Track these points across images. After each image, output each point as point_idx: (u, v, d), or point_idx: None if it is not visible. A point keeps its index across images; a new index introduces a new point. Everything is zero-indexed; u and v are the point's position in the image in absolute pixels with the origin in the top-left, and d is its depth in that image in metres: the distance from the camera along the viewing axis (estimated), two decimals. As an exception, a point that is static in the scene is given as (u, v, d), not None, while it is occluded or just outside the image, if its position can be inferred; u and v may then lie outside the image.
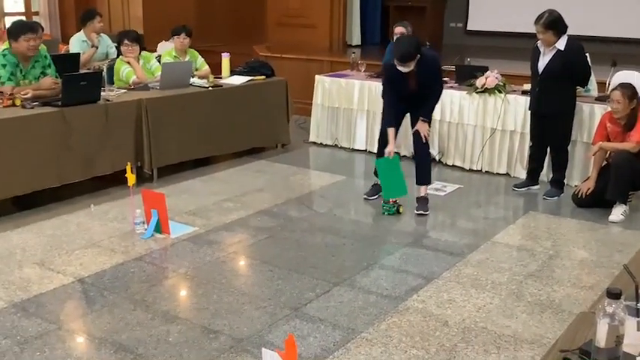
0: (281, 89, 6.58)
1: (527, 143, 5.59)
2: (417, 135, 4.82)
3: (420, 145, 4.83)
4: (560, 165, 5.28)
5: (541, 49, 5.06)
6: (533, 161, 5.43)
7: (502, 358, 2.94)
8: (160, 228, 4.26)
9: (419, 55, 4.49)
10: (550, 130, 5.17)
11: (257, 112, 6.27)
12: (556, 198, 5.22)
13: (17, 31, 4.83)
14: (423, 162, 4.92)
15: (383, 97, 5.01)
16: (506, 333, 3.16)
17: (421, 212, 4.78)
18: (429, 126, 4.85)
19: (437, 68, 4.80)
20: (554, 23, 4.90)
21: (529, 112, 5.40)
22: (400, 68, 4.52)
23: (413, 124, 4.87)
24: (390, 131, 4.76)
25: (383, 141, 4.89)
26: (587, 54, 5.18)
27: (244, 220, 4.64)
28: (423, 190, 4.90)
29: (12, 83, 4.80)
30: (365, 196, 5.13)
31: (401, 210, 4.78)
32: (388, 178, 4.75)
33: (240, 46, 9.20)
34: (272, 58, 8.19)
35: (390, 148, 4.71)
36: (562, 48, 4.94)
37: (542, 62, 5.05)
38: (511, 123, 5.70)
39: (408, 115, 5.00)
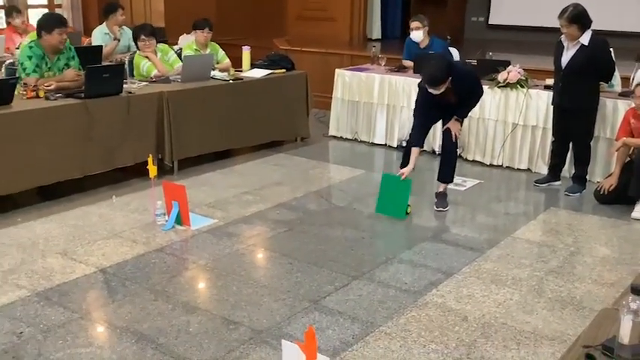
0: (301, 83, 6.58)
1: (549, 138, 5.55)
2: (446, 133, 4.75)
3: (449, 142, 4.76)
4: (582, 161, 5.23)
5: (565, 44, 5.01)
6: (555, 157, 5.38)
7: (522, 354, 2.93)
8: (180, 220, 4.29)
9: (450, 77, 4.35)
10: (572, 126, 5.12)
11: (277, 106, 6.29)
12: (578, 194, 5.17)
13: (52, 24, 4.88)
14: (448, 159, 4.86)
15: (414, 114, 4.84)
16: (526, 329, 3.14)
17: (440, 209, 4.75)
18: (461, 125, 4.80)
19: (473, 82, 4.69)
20: (578, 17, 4.84)
21: (552, 107, 5.35)
22: (432, 91, 4.42)
23: (445, 123, 4.80)
24: (415, 151, 4.65)
25: (406, 156, 4.80)
26: (612, 49, 5.12)
27: (263, 212, 4.66)
28: (442, 187, 4.87)
29: (37, 75, 4.86)
30: None
31: (408, 211, 4.62)
32: (388, 195, 4.62)
33: (261, 39, 9.22)
34: (292, 51, 8.20)
35: (407, 170, 4.58)
36: (586, 43, 4.88)
37: (566, 57, 5.00)
38: (533, 118, 5.66)
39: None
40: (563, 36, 5.00)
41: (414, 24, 6.27)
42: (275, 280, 3.65)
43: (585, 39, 4.89)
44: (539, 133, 5.67)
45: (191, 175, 5.45)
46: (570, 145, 5.28)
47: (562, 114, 5.16)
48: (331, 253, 4.01)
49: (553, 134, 5.40)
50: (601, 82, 5.18)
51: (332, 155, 6.56)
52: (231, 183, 5.31)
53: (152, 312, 3.22)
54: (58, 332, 3.02)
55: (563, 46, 5.03)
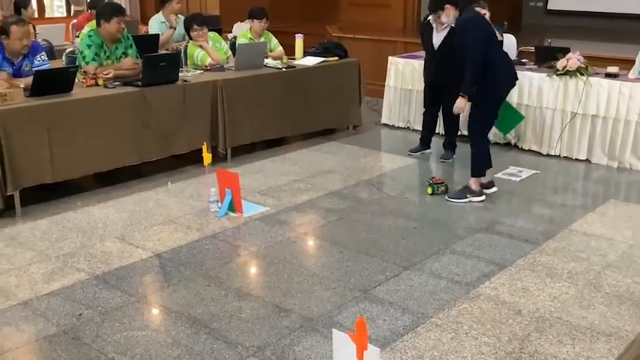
0: (353, 70, 6.55)
1: (610, 127, 5.43)
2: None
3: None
4: (453, 128, 5.66)
5: (433, 25, 5.39)
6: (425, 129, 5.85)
7: (577, 350, 2.86)
8: (233, 207, 4.35)
9: (448, 5, 4.49)
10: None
11: (329, 94, 6.28)
12: (451, 159, 5.62)
13: (110, 12, 5.01)
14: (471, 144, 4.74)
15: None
16: (582, 324, 3.07)
17: (449, 199, 4.66)
18: (470, 101, 4.51)
19: (467, 30, 4.41)
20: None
21: (610, 95, 5.26)
22: (431, 19, 4.99)
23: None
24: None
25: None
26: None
27: (315, 201, 4.68)
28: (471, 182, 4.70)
29: (95, 64, 4.98)
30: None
31: (429, 191, 4.73)
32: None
33: (314, 26, 9.21)
34: (345, 38, 8.16)
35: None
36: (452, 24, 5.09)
37: (437, 39, 5.42)
38: (593, 107, 5.48)
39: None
40: (431, 17, 5.29)
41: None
42: (326, 269, 3.66)
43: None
44: (599, 122, 5.49)
45: (244, 162, 5.51)
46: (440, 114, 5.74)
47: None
48: (382, 242, 3.99)
49: (425, 106, 5.83)
50: None
51: (384, 144, 6.52)
52: (283, 171, 5.35)
53: (206, 297, 3.29)
54: (115, 315, 3.12)
55: (432, 27, 5.36)
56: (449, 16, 4.41)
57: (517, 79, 4.69)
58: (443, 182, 4.75)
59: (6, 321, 3.06)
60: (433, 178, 4.80)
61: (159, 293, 3.38)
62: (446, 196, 4.65)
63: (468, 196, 4.62)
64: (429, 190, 4.74)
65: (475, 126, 4.64)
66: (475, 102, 4.54)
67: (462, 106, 4.52)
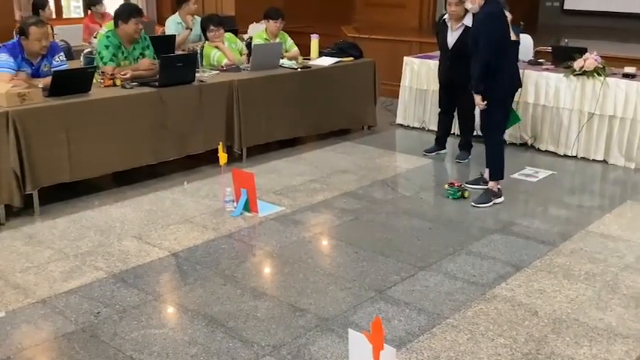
0: (369, 71, 6.55)
1: (627, 129, 5.39)
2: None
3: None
4: (468, 128, 5.67)
5: (448, 24, 5.39)
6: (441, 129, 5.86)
7: (594, 352, 2.85)
8: (248, 207, 4.37)
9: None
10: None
11: (344, 94, 6.29)
12: (467, 160, 5.61)
13: (128, 13, 5.06)
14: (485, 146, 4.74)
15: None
16: (599, 326, 3.05)
17: (473, 204, 4.59)
18: (481, 99, 4.48)
19: (484, 24, 4.38)
20: None
21: (628, 95, 5.22)
22: (446, 17, 5.15)
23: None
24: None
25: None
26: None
27: (330, 201, 4.68)
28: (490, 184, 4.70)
29: (113, 64, 5.03)
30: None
31: (466, 195, 4.66)
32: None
33: (329, 27, 9.21)
34: (360, 39, 8.15)
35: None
36: (469, 24, 5.04)
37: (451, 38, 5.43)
38: (610, 107, 5.44)
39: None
40: (446, 16, 5.36)
41: None
42: (341, 269, 3.67)
43: (468, 20, 5.04)
44: (616, 123, 5.45)
45: (259, 162, 5.53)
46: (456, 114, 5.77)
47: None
48: (397, 242, 3.99)
49: (440, 106, 5.79)
50: None
51: (399, 144, 6.51)
52: (298, 171, 5.36)
53: (222, 296, 3.31)
54: (132, 313, 3.14)
55: (447, 26, 5.37)
56: (474, 3, 4.39)
57: (521, 86, 4.97)
58: (461, 185, 4.72)
59: (25, 319, 3.10)
60: (452, 183, 4.73)
61: (175, 292, 3.41)
62: (471, 202, 4.57)
63: (492, 199, 4.58)
64: (467, 194, 4.67)
65: (485, 126, 4.67)
66: (479, 94, 4.52)
67: (478, 101, 4.53)
